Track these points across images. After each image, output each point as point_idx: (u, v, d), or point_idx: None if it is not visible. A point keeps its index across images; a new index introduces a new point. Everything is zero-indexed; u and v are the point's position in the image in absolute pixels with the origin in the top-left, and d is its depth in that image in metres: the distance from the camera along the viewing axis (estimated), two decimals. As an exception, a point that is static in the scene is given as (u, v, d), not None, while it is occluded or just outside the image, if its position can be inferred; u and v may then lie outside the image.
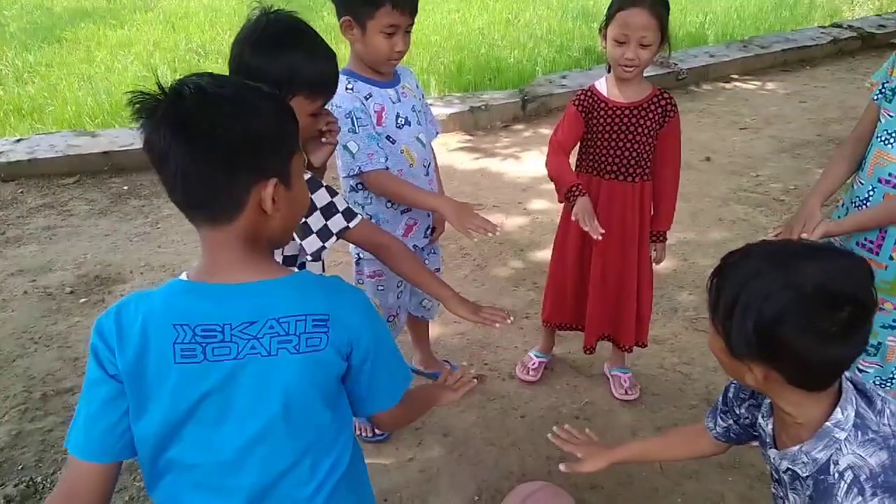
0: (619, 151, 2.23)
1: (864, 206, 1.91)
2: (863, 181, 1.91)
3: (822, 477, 1.08)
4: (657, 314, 3.07)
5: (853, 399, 1.09)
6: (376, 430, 2.37)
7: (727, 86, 6.05)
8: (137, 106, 0.98)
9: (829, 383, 1.09)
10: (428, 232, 2.26)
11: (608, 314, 2.48)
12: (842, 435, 1.07)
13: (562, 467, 1.62)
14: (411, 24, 1.95)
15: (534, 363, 2.70)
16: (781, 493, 1.22)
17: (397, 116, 2.05)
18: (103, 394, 1.05)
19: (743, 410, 1.36)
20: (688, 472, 2.26)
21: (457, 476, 2.27)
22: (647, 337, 2.57)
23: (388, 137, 2.04)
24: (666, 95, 2.23)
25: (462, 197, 4.05)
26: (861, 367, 2.02)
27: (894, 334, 1.94)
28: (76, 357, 2.83)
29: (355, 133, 1.95)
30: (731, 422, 1.40)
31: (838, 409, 1.08)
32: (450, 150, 4.81)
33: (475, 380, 1.57)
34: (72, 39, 7.13)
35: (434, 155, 2.26)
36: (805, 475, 1.11)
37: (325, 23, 7.28)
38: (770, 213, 3.91)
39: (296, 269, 1.09)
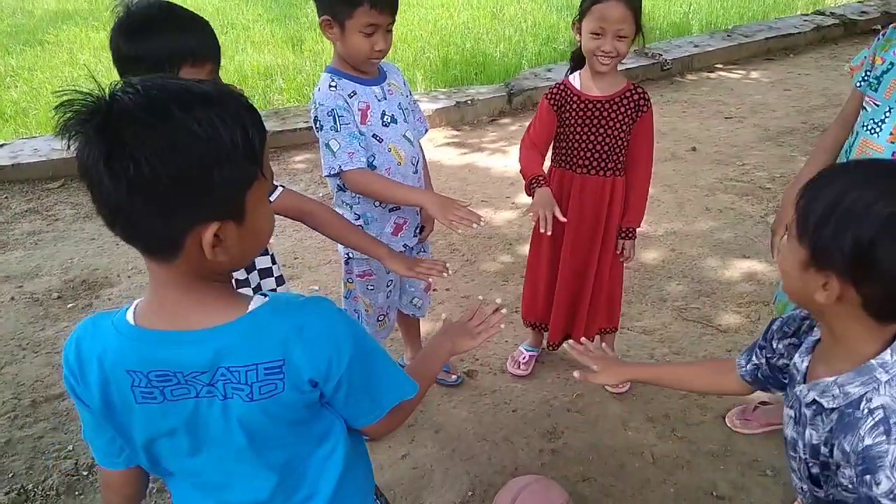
0: (592, 145, 2.22)
1: None
2: None
3: (849, 410, 1.05)
4: (646, 304, 3.09)
5: None
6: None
7: (711, 75, 6.07)
8: (69, 115, 0.85)
9: None
10: (417, 231, 2.26)
11: (569, 310, 2.49)
12: (884, 377, 1.04)
13: (575, 374, 1.60)
14: (392, 23, 1.93)
15: (524, 357, 2.71)
16: (796, 434, 1.19)
17: (383, 114, 2.04)
18: (90, 419, 1.06)
19: (780, 346, 1.32)
20: (680, 462, 2.27)
21: (450, 472, 2.27)
22: (609, 326, 2.56)
23: (374, 136, 2.02)
24: (639, 90, 2.22)
25: (450, 193, 4.05)
26: None
27: None
28: (65, 362, 2.81)
29: (337, 132, 1.94)
30: (763, 360, 1.37)
31: (888, 351, 1.05)
32: (436, 146, 4.81)
33: (502, 325, 1.43)
34: (54, 42, 7.06)
35: (423, 152, 2.25)
36: (830, 408, 1.09)
37: (310, 20, 7.26)
38: (756, 202, 3.93)
39: (252, 303, 0.99)
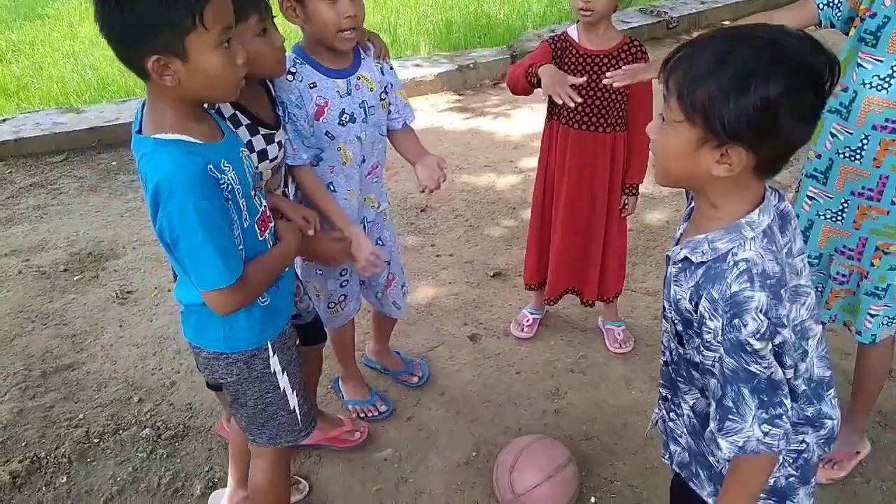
0: (589, 100, 2.19)
1: (857, 156, 1.84)
2: (851, 130, 1.84)
3: (716, 265, 1.12)
4: (650, 266, 3.08)
5: (772, 213, 1.13)
6: (380, 409, 2.36)
7: (719, 33, 5.96)
8: None
9: (780, 169, 1.12)
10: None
11: (573, 267, 2.48)
12: (749, 234, 1.11)
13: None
14: None
15: (528, 320, 2.71)
16: (664, 296, 1.26)
17: (342, 112, 1.88)
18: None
19: None
20: (682, 419, 2.28)
21: (455, 433, 2.30)
22: (621, 287, 2.57)
23: (326, 133, 1.88)
24: (636, 43, 2.20)
25: (452, 157, 4.02)
26: (872, 312, 1.98)
27: None
28: (73, 334, 2.84)
29: (286, 122, 1.84)
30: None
31: (756, 211, 1.12)
32: (439, 111, 4.77)
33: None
34: (54, 16, 7.03)
35: (413, 129, 2.12)
36: (698, 261, 1.14)
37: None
38: (763, 160, 3.89)
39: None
